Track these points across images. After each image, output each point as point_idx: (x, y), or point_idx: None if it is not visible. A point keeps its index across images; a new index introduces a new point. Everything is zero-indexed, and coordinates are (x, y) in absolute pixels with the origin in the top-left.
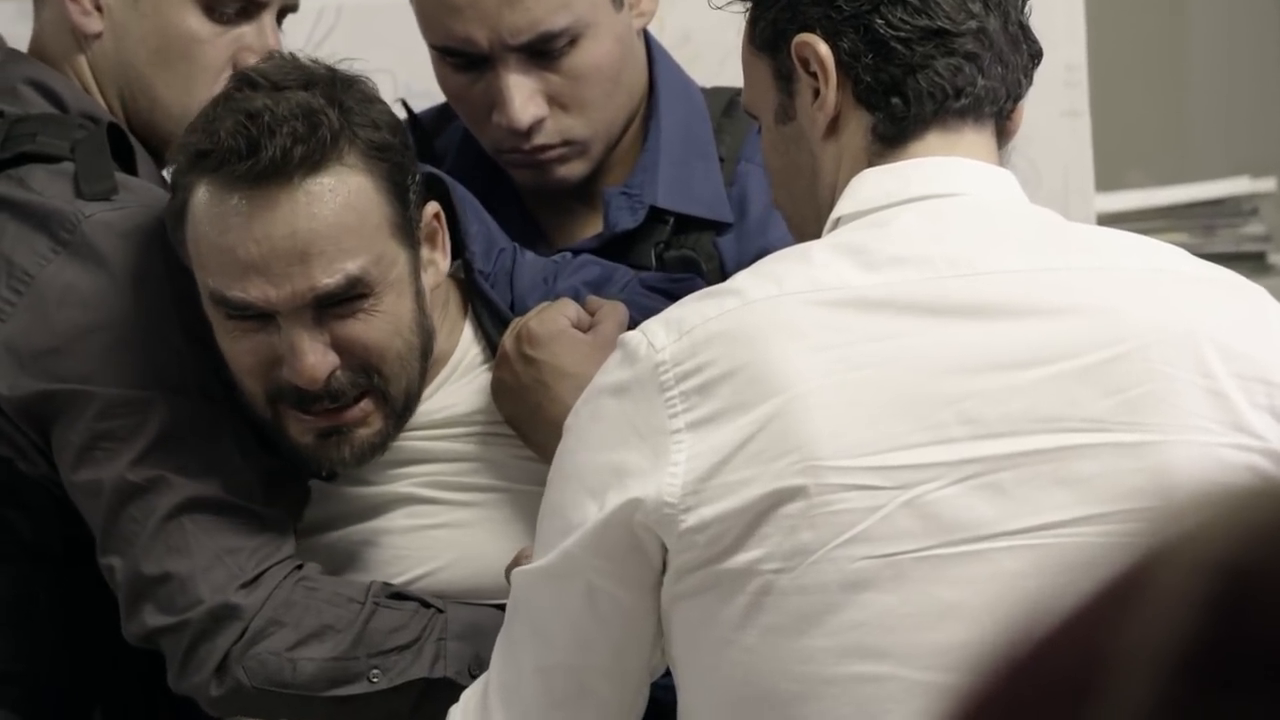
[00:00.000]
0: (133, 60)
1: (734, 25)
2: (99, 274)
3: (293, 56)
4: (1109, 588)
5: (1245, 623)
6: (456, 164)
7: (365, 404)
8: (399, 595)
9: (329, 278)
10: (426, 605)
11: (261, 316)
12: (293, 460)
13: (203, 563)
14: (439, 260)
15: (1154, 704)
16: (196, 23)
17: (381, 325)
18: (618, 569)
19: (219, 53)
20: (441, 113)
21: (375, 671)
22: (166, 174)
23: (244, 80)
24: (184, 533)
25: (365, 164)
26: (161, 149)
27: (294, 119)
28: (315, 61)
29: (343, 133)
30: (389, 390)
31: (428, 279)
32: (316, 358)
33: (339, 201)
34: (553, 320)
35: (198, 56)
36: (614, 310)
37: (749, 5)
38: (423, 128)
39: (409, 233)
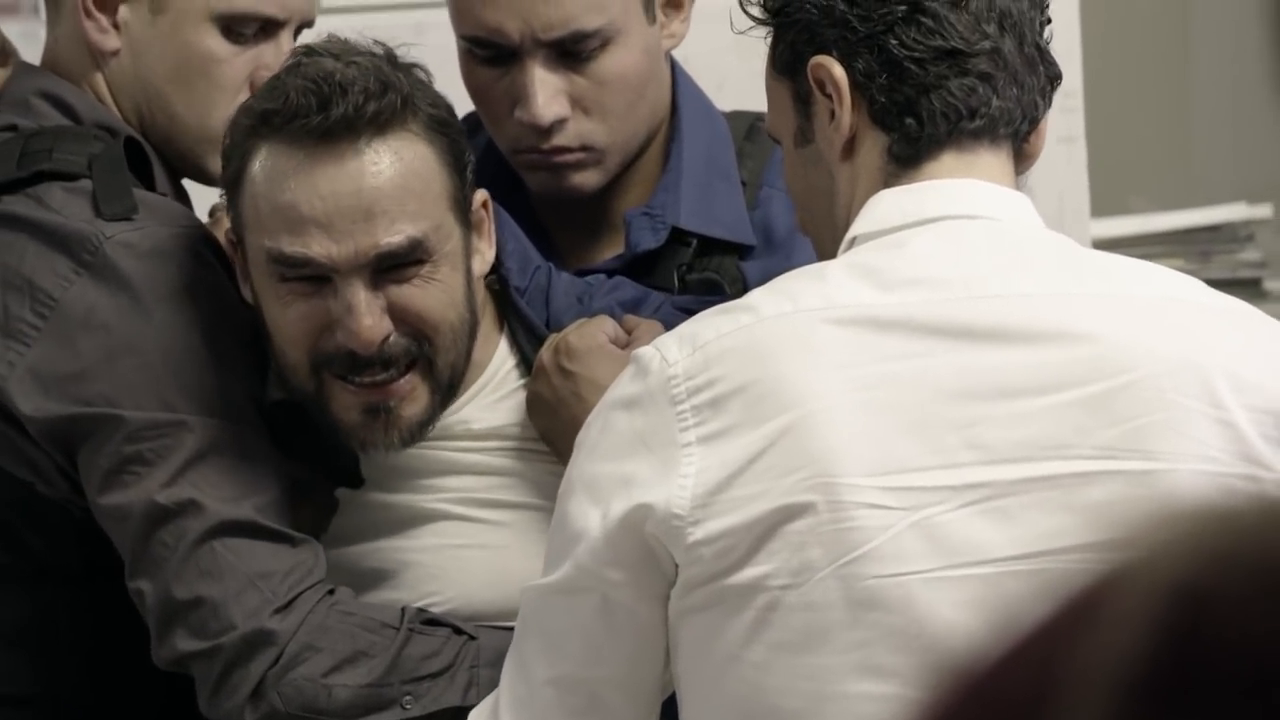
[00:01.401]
0: (150, 78)
1: (732, 50)
2: (122, 296)
3: (345, 39)
4: (1066, 609)
5: (1200, 645)
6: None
7: (412, 377)
8: (431, 621)
9: (391, 237)
10: (459, 632)
11: (316, 279)
12: (337, 440)
13: (235, 587)
14: (485, 250)
15: None
16: (215, 43)
17: (437, 294)
18: (633, 579)
19: (237, 72)
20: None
21: (408, 699)
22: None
23: (309, 50)
24: (216, 557)
25: (428, 134)
26: (178, 165)
27: (365, 79)
28: (375, 41)
29: (410, 99)
30: (437, 361)
31: (475, 265)
32: (374, 319)
33: (403, 165)
34: (591, 335)
35: (216, 76)
36: (651, 328)
37: (769, 31)
38: None
39: (465, 210)
